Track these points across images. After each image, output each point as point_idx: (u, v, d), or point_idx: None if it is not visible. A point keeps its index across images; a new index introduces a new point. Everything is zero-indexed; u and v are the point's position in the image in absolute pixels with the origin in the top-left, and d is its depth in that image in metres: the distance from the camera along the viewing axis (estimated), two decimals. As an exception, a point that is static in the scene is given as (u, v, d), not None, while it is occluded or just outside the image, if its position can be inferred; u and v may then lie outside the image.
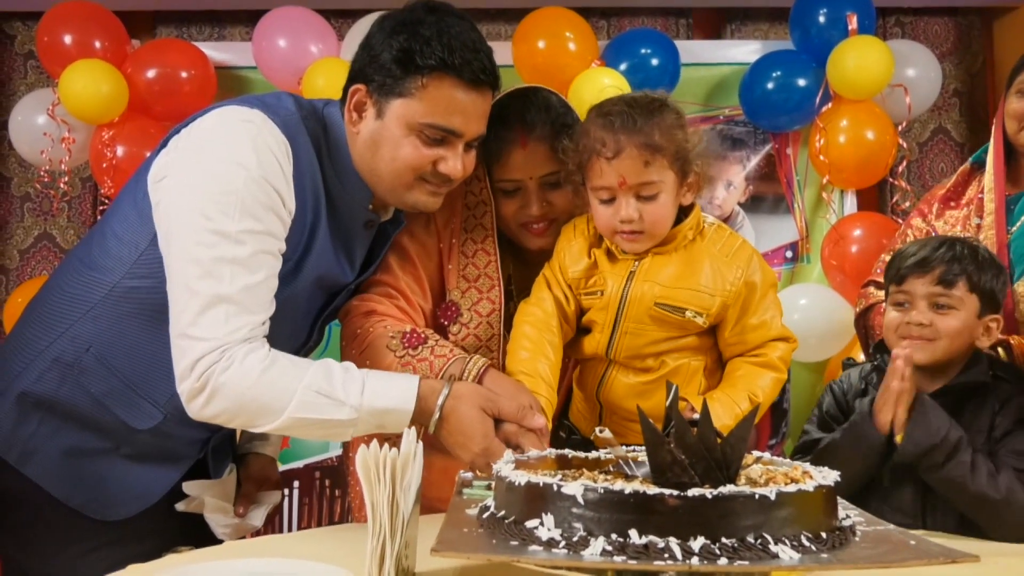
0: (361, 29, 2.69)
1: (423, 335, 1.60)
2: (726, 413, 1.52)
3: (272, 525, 1.87)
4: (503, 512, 1.00)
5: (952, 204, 2.01)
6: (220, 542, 1.60)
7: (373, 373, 1.45)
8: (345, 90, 1.56)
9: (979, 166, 2.00)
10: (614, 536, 0.89)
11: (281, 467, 1.93)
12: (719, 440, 0.97)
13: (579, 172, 1.59)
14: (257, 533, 1.83)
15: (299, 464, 3.25)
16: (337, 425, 1.40)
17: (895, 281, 1.75)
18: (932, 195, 2.08)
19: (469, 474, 1.30)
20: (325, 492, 3.29)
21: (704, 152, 1.56)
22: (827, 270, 3.16)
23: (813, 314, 2.98)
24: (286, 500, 3.23)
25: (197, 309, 1.37)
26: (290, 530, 3.24)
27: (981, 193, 1.94)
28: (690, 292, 1.56)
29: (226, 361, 1.36)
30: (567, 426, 1.79)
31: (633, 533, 0.89)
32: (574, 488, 0.92)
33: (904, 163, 3.28)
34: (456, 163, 1.52)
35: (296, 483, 3.26)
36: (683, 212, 1.60)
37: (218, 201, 1.38)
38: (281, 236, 1.46)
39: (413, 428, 1.17)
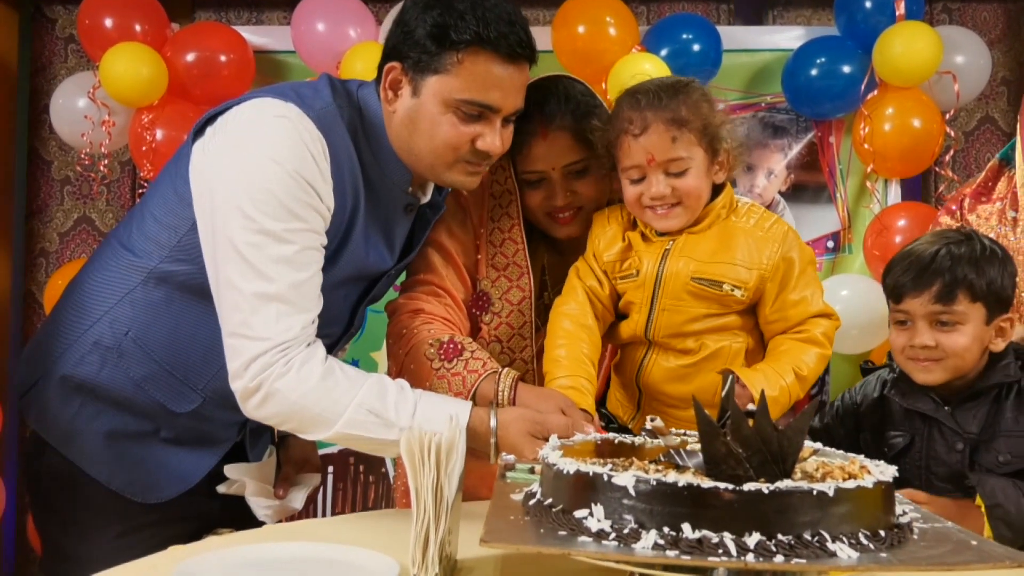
0: (400, 13, 2.67)
1: (460, 346, 1.59)
2: (771, 385, 1.51)
3: (306, 510, 1.87)
4: (550, 500, 0.98)
5: (983, 199, 1.97)
6: (260, 525, 1.60)
7: (426, 396, 1.44)
8: (380, 68, 1.54)
9: (1006, 162, 1.98)
10: (666, 529, 0.87)
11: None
12: (776, 433, 0.94)
13: (609, 155, 1.58)
14: (293, 517, 1.83)
15: (334, 449, 3.25)
16: (385, 444, 1.40)
17: (892, 298, 1.65)
18: (959, 193, 2.07)
19: (512, 457, 1.28)
20: (359, 477, 3.29)
21: (732, 130, 1.55)
22: (870, 261, 3.09)
23: (855, 305, 2.91)
24: (320, 485, 3.24)
25: (248, 308, 1.37)
26: (324, 515, 3.25)
27: (1014, 188, 1.91)
28: (727, 266, 1.54)
29: (283, 365, 1.36)
30: (604, 415, 1.77)
31: (686, 527, 0.86)
32: (625, 479, 0.90)
33: (951, 152, 3.20)
34: (495, 139, 1.50)
35: (331, 468, 3.27)
36: (715, 192, 1.59)
37: (259, 200, 1.37)
38: (321, 231, 1.45)
39: (454, 417, 1.16)
